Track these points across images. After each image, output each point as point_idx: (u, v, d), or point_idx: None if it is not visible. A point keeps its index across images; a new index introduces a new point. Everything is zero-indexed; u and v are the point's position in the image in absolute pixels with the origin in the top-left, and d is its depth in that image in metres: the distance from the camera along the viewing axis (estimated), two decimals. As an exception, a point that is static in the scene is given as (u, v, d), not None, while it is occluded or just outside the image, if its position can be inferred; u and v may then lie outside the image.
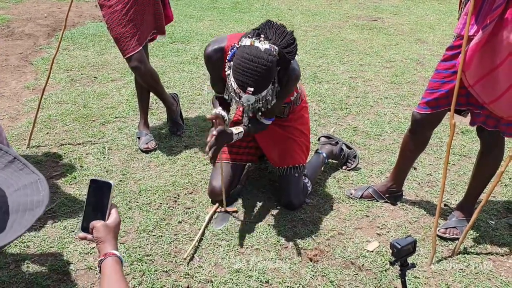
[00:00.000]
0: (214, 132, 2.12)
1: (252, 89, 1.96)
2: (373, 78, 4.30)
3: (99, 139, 3.16)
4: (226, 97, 2.15)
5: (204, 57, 2.25)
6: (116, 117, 3.46)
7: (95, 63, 4.50)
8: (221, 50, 2.20)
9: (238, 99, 2.03)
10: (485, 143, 2.28)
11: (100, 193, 1.27)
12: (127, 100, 3.74)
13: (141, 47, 2.84)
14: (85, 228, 1.28)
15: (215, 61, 2.22)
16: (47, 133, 3.23)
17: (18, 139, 3.15)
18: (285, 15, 6.46)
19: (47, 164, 2.88)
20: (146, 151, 3.02)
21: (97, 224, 1.25)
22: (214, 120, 2.19)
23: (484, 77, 1.98)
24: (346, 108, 3.68)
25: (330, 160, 2.90)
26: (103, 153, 2.99)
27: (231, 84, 2.03)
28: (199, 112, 3.59)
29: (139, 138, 3.10)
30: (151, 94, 3.19)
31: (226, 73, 2.09)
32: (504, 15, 1.87)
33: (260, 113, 2.30)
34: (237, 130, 2.24)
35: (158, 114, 3.55)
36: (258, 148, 2.63)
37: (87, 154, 2.99)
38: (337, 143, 2.91)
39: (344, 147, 2.90)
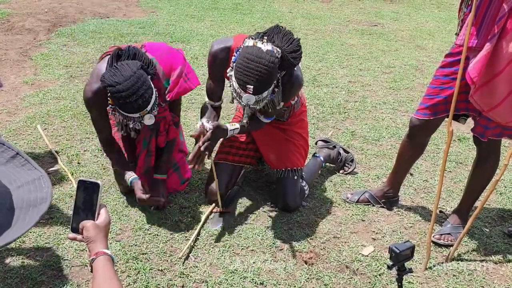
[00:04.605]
0: (210, 126, 2.17)
1: (252, 87, 1.98)
2: (372, 83, 4.31)
3: (97, 136, 3.15)
4: (230, 99, 2.16)
5: (210, 55, 2.27)
6: (114, 115, 3.46)
7: (95, 60, 4.50)
8: (227, 49, 2.22)
9: (239, 99, 2.05)
10: (482, 151, 2.30)
11: (88, 193, 1.27)
12: (126, 98, 3.73)
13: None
14: (75, 228, 1.28)
15: (220, 60, 2.24)
16: (45, 128, 3.23)
17: (15, 134, 3.14)
18: (286, 17, 6.47)
19: (44, 160, 2.87)
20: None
21: (87, 223, 1.25)
22: (198, 137, 2.21)
23: (482, 86, 1.99)
24: (345, 112, 3.70)
25: (327, 164, 2.91)
26: (100, 150, 2.99)
27: (232, 84, 2.06)
28: (198, 111, 3.60)
29: None
30: None
31: (228, 74, 2.11)
32: (504, 25, 1.89)
33: (259, 112, 2.31)
34: (232, 126, 2.26)
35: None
36: (257, 151, 2.64)
37: (84, 151, 2.99)
38: (334, 147, 2.92)
39: (341, 151, 2.91)
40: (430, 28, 6.34)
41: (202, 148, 2.15)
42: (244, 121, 2.28)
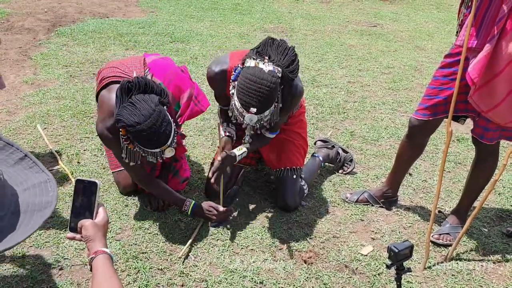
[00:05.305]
0: (219, 158, 2.19)
1: (255, 109, 2.01)
2: (371, 84, 4.32)
3: (97, 135, 3.16)
4: (230, 113, 2.19)
5: (207, 78, 2.32)
6: (114, 114, 3.46)
7: (95, 60, 4.51)
8: (224, 72, 2.25)
9: (241, 118, 2.09)
10: (481, 151, 2.30)
11: (86, 192, 1.28)
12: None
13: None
14: (73, 228, 1.28)
15: (218, 82, 2.28)
16: (45, 128, 3.23)
17: (15, 133, 3.15)
18: (285, 18, 6.48)
19: (44, 159, 2.88)
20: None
21: (85, 222, 1.26)
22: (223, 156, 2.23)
23: (482, 87, 2.00)
24: (344, 113, 3.71)
25: (326, 163, 2.92)
26: (100, 149, 2.99)
27: (234, 103, 2.09)
28: (198, 112, 3.60)
29: None
30: None
31: (231, 92, 2.14)
32: (504, 26, 1.90)
33: (265, 129, 2.35)
34: (240, 151, 2.29)
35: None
36: (257, 152, 2.65)
37: (84, 150, 3.00)
38: (333, 146, 2.93)
39: (340, 151, 2.92)
40: (429, 29, 6.35)
41: (212, 180, 2.19)
42: (247, 139, 2.32)
